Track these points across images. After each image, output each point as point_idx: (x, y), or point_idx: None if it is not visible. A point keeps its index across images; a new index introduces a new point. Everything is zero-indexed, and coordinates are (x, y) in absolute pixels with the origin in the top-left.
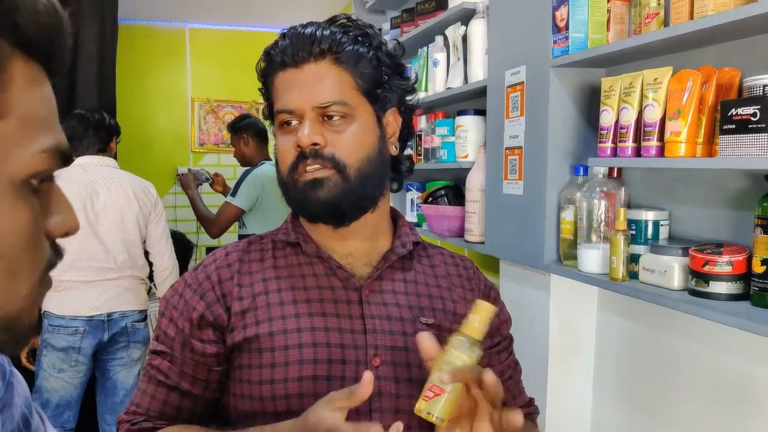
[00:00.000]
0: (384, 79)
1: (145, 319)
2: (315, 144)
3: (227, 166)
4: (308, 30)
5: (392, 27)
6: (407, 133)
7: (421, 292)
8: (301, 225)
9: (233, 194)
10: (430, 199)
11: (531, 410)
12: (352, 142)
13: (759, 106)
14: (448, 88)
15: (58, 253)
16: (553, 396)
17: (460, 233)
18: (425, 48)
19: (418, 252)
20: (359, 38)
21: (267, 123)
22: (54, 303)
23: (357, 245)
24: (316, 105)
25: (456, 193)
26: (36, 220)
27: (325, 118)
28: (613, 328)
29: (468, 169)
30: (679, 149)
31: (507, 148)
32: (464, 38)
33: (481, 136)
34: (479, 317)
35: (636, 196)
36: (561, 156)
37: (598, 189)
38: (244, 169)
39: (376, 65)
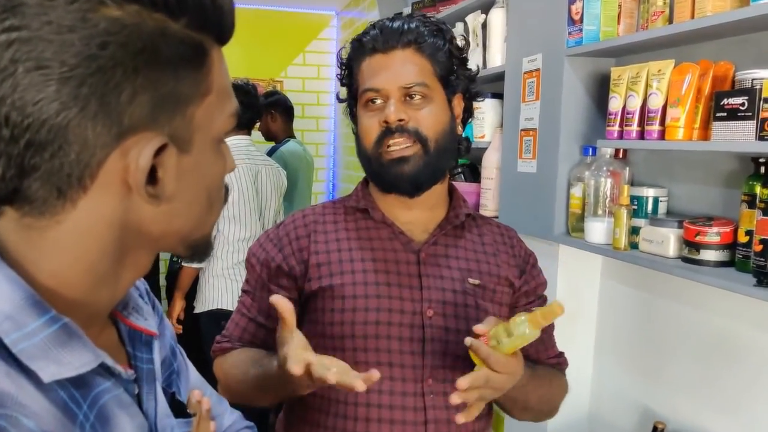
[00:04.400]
0: (454, 68)
1: None
2: (400, 120)
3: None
4: (396, 23)
5: (413, 11)
6: (467, 117)
7: (469, 257)
8: (369, 193)
9: None
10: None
11: (560, 361)
12: (431, 118)
13: (747, 97)
14: None
15: (226, 190)
16: None
17: (476, 208)
18: None
19: (469, 222)
20: (435, 32)
21: (344, 106)
22: None
23: (418, 214)
24: (401, 85)
25: (472, 171)
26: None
27: (408, 98)
28: (614, 293)
29: (484, 149)
30: (678, 133)
31: (522, 130)
32: (483, 26)
33: (497, 118)
34: (546, 316)
35: (639, 175)
36: (572, 137)
37: (604, 168)
38: (270, 146)
39: (448, 56)
